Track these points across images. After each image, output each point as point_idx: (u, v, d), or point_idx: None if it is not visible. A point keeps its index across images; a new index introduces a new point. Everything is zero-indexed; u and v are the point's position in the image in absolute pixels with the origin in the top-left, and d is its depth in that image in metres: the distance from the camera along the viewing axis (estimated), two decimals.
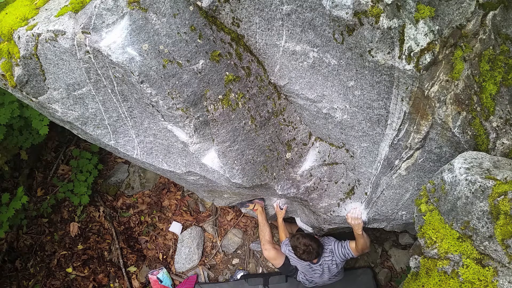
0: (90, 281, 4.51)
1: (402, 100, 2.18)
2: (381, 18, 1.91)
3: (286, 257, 3.88)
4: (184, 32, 2.17)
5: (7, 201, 3.94)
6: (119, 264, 4.65)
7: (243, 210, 4.37)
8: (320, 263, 3.54)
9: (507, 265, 1.84)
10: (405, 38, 1.94)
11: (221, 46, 2.34)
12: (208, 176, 2.77)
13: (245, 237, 4.83)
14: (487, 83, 2.16)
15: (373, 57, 2.06)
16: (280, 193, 3.04)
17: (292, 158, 2.96)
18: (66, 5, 2.21)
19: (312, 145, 2.98)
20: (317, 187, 3.10)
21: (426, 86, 2.07)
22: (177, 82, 2.25)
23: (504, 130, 2.22)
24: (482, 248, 1.92)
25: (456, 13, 2.00)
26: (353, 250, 3.41)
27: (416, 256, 2.30)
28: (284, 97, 2.71)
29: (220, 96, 2.44)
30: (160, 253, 4.79)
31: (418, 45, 1.93)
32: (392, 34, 1.95)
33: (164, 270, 4.59)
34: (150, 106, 2.39)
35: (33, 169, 4.89)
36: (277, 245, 4.05)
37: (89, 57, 2.19)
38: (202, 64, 2.28)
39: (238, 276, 4.53)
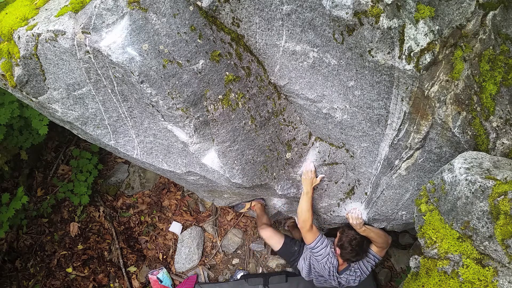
0: (90, 281, 4.51)
1: (402, 100, 2.18)
2: (381, 18, 1.91)
3: (286, 239, 3.69)
4: (184, 32, 2.17)
5: (7, 201, 3.94)
6: (119, 264, 4.65)
7: (240, 211, 4.36)
8: (342, 275, 3.31)
9: (507, 265, 1.84)
10: (405, 38, 1.94)
11: (221, 46, 2.34)
12: (208, 176, 2.77)
13: (245, 237, 4.83)
14: (487, 83, 2.16)
15: (373, 57, 2.06)
16: (280, 193, 3.04)
17: (292, 158, 2.96)
18: (66, 5, 2.21)
19: (312, 145, 2.98)
20: (317, 187, 3.10)
21: (426, 86, 2.07)
22: (177, 82, 2.25)
23: (504, 130, 2.22)
24: (482, 248, 1.92)
25: (456, 13, 2.00)
26: (378, 252, 3.25)
27: (416, 256, 2.30)
28: (284, 97, 2.71)
29: (220, 96, 2.44)
30: (160, 253, 4.79)
31: (418, 45, 1.93)
32: (392, 34, 1.95)
33: (164, 270, 4.59)
34: (150, 106, 2.39)
35: (33, 169, 4.89)
36: (275, 228, 3.92)
37: (89, 57, 2.19)
38: (202, 64, 2.28)
39: (238, 276, 4.53)
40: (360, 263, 3.28)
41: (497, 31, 2.13)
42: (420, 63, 1.96)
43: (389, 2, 1.88)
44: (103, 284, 4.56)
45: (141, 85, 2.20)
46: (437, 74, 2.05)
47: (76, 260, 4.59)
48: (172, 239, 4.85)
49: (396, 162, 2.56)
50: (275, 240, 3.75)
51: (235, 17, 2.30)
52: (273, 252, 4.57)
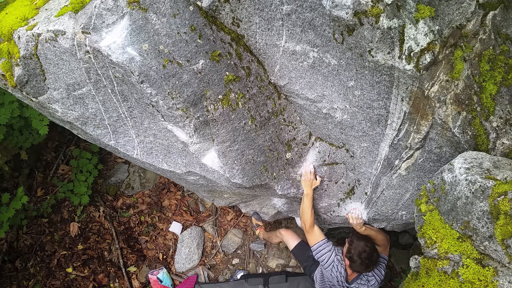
0: (90, 281, 4.51)
1: (402, 100, 2.18)
2: (381, 18, 1.91)
3: (303, 241, 3.60)
4: (184, 32, 2.17)
5: (7, 201, 3.94)
6: (119, 264, 4.65)
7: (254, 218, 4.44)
8: (353, 285, 3.21)
9: (507, 265, 1.84)
10: (405, 38, 1.94)
11: (221, 46, 2.34)
12: (208, 176, 2.77)
13: (245, 237, 4.84)
14: (487, 83, 2.16)
15: (373, 57, 2.06)
16: (280, 193, 3.04)
17: (292, 158, 2.96)
18: (66, 5, 2.21)
19: (312, 145, 2.98)
20: (317, 187, 3.10)
21: (426, 86, 2.07)
22: (177, 82, 2.25)
23: (504, 130, 2.22)
24: (482, 248, 1.92)
25: (456, 13, 2.00)
26: (382, 252, 3.21)
27: (416, 256, 2.30)
28: (284, 97, 2.71)
29: (220, 96, 2.44)
30: (160, 253, 4.79)
31: (418, 45, 1.93)
32: (392, 34, 1.95)
33: (164, 270, 4.59)
34: (150, 106, 2.39)
35: (33, 169, 4.89)
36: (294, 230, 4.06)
37: (89, 57, 2.19)
38: (202, 64, 2.28)
39: (238, 276, 4.53)
40: (375, 270, 3.19)
41: (497, 31, 2.13)
42: (420, 63, 1.96)
43: (389, 2, 1.88)
44: (103, 284, 4.56)
45: (141, 85, 2.20)
46: (437, 74, 2.05)
47: (76, 260, 4.59)
48: (172, 239, 4.85)
49: (396, 162, 2.56)
50: (292, 239, 3.82)
51: (235, 17, 2.30)
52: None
